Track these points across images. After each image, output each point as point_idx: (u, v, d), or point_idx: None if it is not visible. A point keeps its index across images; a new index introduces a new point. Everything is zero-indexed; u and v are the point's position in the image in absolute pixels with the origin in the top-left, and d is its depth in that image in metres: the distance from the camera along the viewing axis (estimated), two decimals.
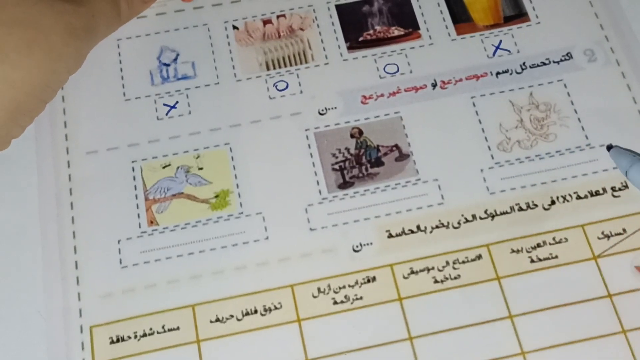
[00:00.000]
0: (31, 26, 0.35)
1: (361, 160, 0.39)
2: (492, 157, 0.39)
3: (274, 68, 0.42)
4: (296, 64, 0.42)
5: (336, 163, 0.39)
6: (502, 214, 0.38)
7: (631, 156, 0.37)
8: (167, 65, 0.42)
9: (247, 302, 0.36)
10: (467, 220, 0.38)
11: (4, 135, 0.36)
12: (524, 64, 0.42)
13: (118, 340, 0.35)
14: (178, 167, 0.39)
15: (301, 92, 0.41)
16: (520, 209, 0.38)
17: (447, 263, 0.37)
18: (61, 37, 0.36)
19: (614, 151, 0.38)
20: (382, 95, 0.41)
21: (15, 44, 0.35)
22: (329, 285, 0.36)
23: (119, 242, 0.37)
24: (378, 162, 0.39)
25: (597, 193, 0.38)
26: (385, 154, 0.39)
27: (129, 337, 0.35)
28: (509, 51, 0.42)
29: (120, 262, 0.37)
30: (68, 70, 0.38)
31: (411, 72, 0.42)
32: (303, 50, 0.43)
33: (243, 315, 0.36)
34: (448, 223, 0.38)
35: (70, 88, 0.40)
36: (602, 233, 0.37)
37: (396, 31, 0.43)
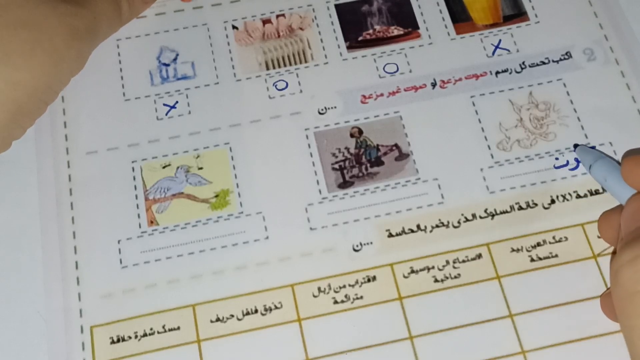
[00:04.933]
0: (34, 28, 0.35)
1: (361, 160, 0.39)
2: (492, 157, 0.39)
3: (274, 68, 0.42)
4: (296, 64, 0.42)
5: (336, 162, 0.39)
6: (502, 213, 0.38)
7: (596, 153, 0.37)
8: (167, 65, 0.42)
9: (248, 301, 0.36)
10: (467, 220, 0.38)
11: (5, 137, 0.36)
12: (523, 63, 0.42)
13: (118, 340, 0.35)
14: (178, 167, 0.39)
15: (301, 91, 0.41)
16: (520, 208, 0.38)
17: (447, 262, 0.37)
18: (64, 39, 0.36)
19: (579, 149, 0.38)
20: (381, 94, 0.41)
21: (19, 46, 0.35)
22: (329, 285, 0.36)
23: (119, 242, 0.37)
24: (378, 162, 0.39)
25: (596, 192, 0.38)
26: (385, 153, 0.40)
27: (130, 337, 0.35)
28: (509, 50, 0.42)
29: (121, 262, 0.37)
30: (70, 72, 0.38)
31: (411, 71, 0.42)
32: (302, 49, 0.43)
33: (243, 315, 0.36)
34: (448, 222, 0.38)
35: (70, 88, 0.40)
36: None
37: (395, 31, 0.43)
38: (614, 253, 0.35)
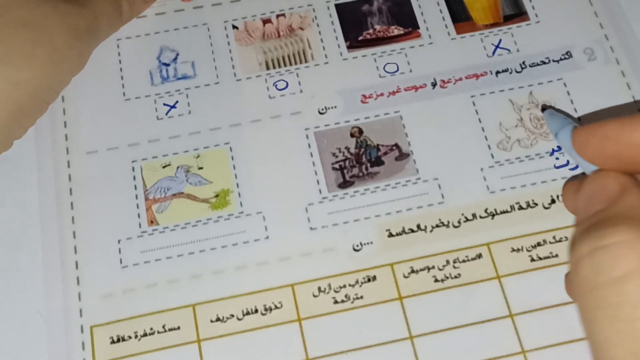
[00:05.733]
0: (35, 28, 0.35)
1: (361, 160, 0.39)
2: (492, 156, 0.39)
3: (274, 67, 0.42)
4: (296, 64, 0.42)
5: (336, 162, 0.39)
6: (502, 212, 0.38)
7: (563, 120, 0.33)
8: (167, 65, 0.42)
9: (248, 301, 0.36)
10: (467, 219, 0.38)
11: (6, 136, 0.36)
12: (523, 63, 0.42)
13: (118, 340, 0.35)
14: (178, 167, 0.39)
15: (301, 91, 0.41)
16: (521, 208, 0.38)
17: (448, 262, 0.37)
18: (65, 39, 0.36)
19: (547, 113, 0.35)
20: (382, 94, 0.41)
21: (19, 45, 0.35)
22: (329, 285, 0.36)
23: (119, 242, 0.37)
24: (378, 162, 0.39)
25: None
26: (385, 153, 0.39)
27: (130, 337, 0.35)
28: (509, 50, 0.42)
29: (121, 262, 0.37)
30: (71, 71, 0.38)
31: (411, 71, 0.42)
32: (303, 49, 0.43)
33: (243, 315, 0.36)
34: (448, 222, 0.38)
35: (70, 88, 0.40)
36: None
37: (396, 30, 0.43)
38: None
